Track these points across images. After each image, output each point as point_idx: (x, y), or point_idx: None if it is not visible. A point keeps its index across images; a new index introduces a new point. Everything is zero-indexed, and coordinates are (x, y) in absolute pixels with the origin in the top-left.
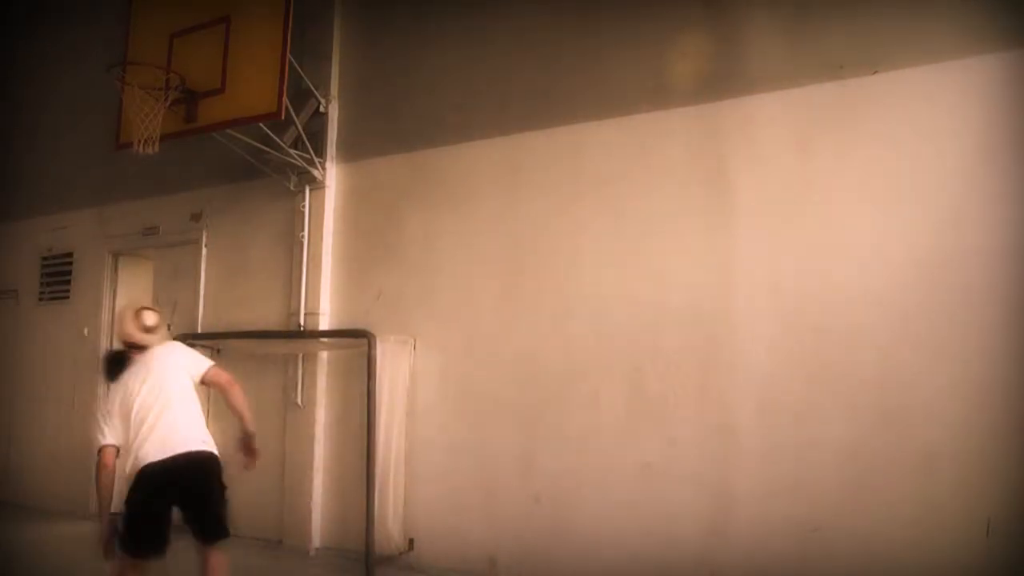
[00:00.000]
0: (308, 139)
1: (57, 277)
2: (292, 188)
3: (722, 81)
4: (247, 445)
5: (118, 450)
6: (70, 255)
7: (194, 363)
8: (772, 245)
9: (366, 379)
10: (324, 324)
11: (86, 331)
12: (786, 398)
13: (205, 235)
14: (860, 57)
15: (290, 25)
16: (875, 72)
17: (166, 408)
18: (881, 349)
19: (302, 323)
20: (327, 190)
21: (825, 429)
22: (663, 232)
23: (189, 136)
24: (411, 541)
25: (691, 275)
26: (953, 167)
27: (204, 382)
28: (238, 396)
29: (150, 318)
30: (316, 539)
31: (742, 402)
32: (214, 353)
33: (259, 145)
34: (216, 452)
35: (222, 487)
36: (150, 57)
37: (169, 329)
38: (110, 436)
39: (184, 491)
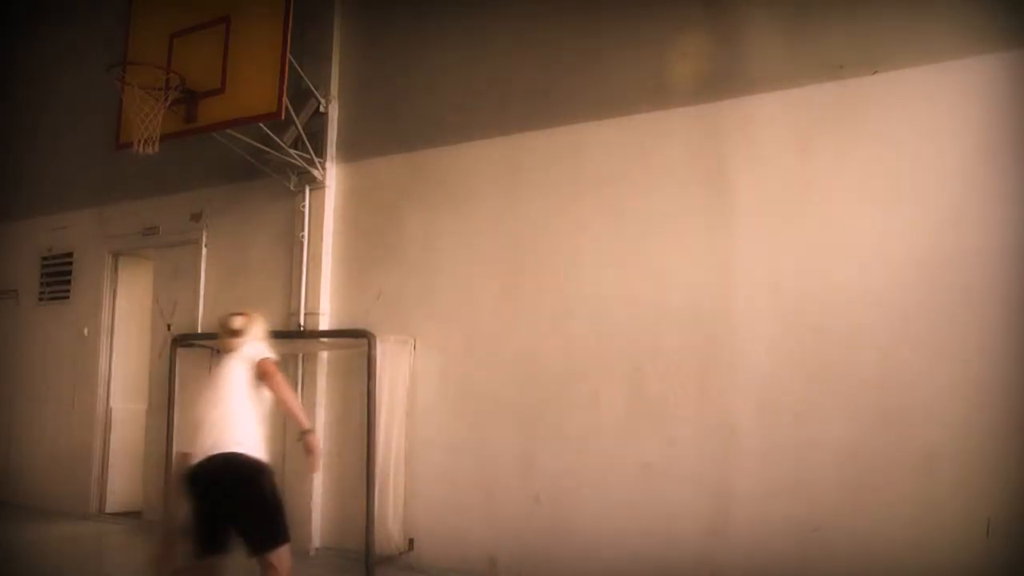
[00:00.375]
0: (308, 139)
1: (57, 277)
2: (292, 188)
3: (722, 81)
4: (304, 443)
5: (188, 456)
6: (70, 255)
7: (255, 356)
8: (772, 245)
9: (366, 379)
10: (324, 324)
11: (86, 331)
12: (786, 398)
13: (205, 235)
14: (860, 57)
15: (290, 25)
16: (875, 72)
17: (214, 409)
18: (881, 349)
19: (302, 323)
20: (327, 190)
21: (825, 429)
22: (663, 232)
23: (189, 136)
24: (411, 541)
25: (691, 275)
26: (953, 167)
27: (257, 375)
28: (277, 387)
29: (234, 322)
30: (316, 539)
31: (742, 402)
32: (214, 353)
33: (259, 145)
34: (249, 454)
35: (256, 493)
36: (150, 57)
37: (169, 329)
38: (184, 442)
39: (213, 495)
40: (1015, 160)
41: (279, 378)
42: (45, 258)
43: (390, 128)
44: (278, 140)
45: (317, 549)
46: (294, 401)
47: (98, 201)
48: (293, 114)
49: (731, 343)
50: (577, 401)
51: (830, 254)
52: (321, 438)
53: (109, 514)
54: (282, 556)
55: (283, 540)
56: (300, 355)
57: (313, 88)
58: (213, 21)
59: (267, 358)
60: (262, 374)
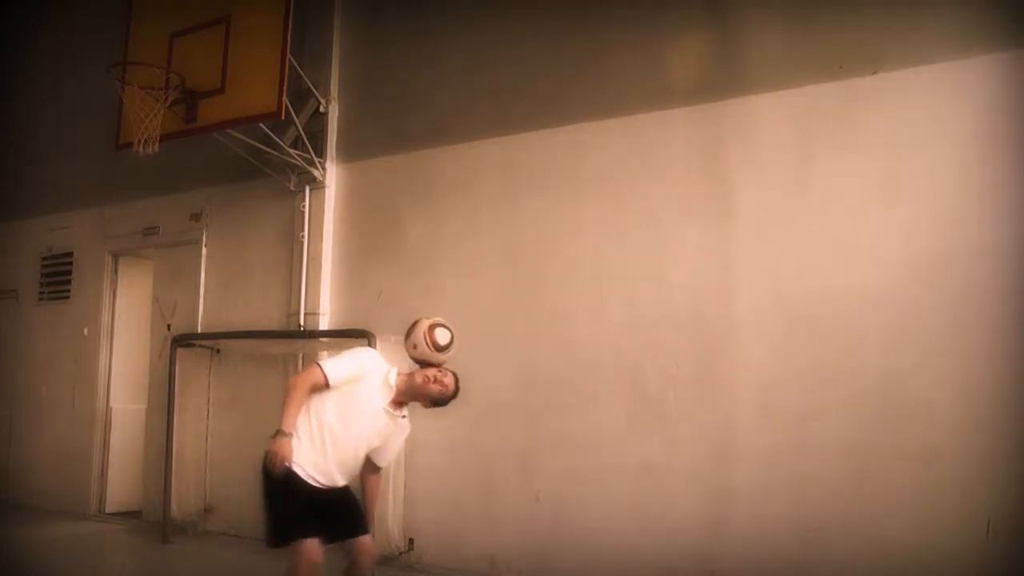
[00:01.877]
0: (308, 139)
1: (57, 277)
2: (292, 188)
3: (722, 81)
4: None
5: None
6: (70, 255)
7: None
8: (772, 245)
9: None
10: (324, 324)
11: (86, 331)
12: (786, 397)
13: (205, 235)
14: (860, 57)
15: (290, 25)
16: (875, 72)
17: None
18: (882, 347)
19: (302, 323)
20: (327, 190)
21: (826, 428)
22: (663, 232)
23: (189, 136)
24: (411, 541)
25: (691, 274)
26: (952, 167)
27: None
28: (288, 386)
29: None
30: None
31: (742, 401)
32: (214, 353)
33: (259, 145)
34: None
35: (263, 494)
36: (150, 57)
37: (169, 329)
38: None
39: None
40: (1014, 160)
41: (295, 380)
42: (45, 258)
43: (390, 128)
44: (278, 140)
45: None
46: (290, 401)
47: (98, 201)
48: (293, 114)
49: (731, 342)
50: (577, 401)
51: (830, 253)
52: None
53: (109, 514)
54: (292, 553)
55: (271, 543)
56: (300, 355)
57: (313, 88)
58: (213, 21)
59: (315, 364)
60: None
